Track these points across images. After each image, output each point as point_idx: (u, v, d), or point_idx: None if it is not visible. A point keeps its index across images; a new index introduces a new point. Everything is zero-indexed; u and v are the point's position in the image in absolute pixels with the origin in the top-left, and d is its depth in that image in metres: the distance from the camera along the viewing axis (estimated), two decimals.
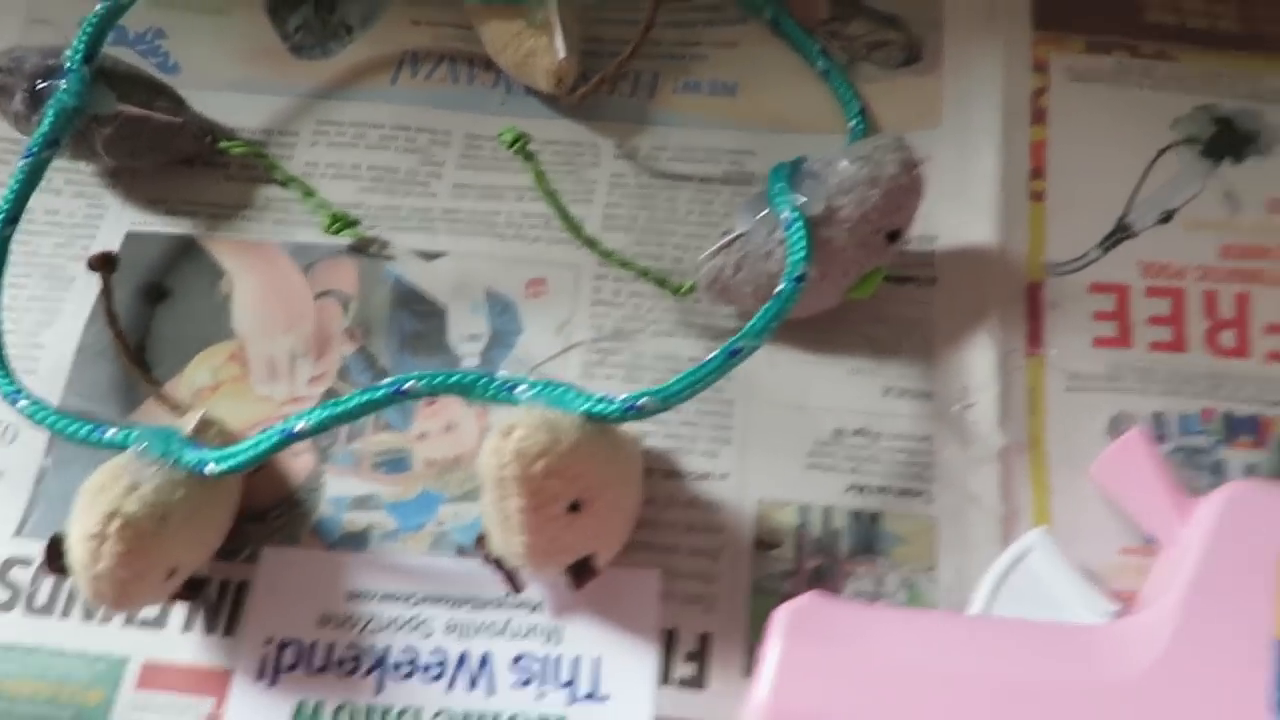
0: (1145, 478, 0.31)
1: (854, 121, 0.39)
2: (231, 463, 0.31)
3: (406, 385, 0.30)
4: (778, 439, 0.35)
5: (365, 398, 0.30)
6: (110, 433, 0.32)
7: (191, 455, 0.31)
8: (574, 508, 0.29)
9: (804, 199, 0.33)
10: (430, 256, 0.38)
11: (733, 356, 0.30)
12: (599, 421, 0.29)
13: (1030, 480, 0.34)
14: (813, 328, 0.36)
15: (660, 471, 0.35)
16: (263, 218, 0.39)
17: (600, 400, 0.29)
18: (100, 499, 0.29)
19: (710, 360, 0.30)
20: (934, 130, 0.39)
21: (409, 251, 0.38)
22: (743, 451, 0.35)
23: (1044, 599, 0.31)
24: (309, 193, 0.39)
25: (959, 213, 0.38)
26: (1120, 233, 0.37)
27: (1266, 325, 0.36)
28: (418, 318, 0.37)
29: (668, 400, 0.29)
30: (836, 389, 0.36)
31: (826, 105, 0.40)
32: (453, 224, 0.39)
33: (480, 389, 0.30)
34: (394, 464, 0.35)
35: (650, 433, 0.35)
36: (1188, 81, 0.39)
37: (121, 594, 0.29)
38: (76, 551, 0.29)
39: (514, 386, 0.30)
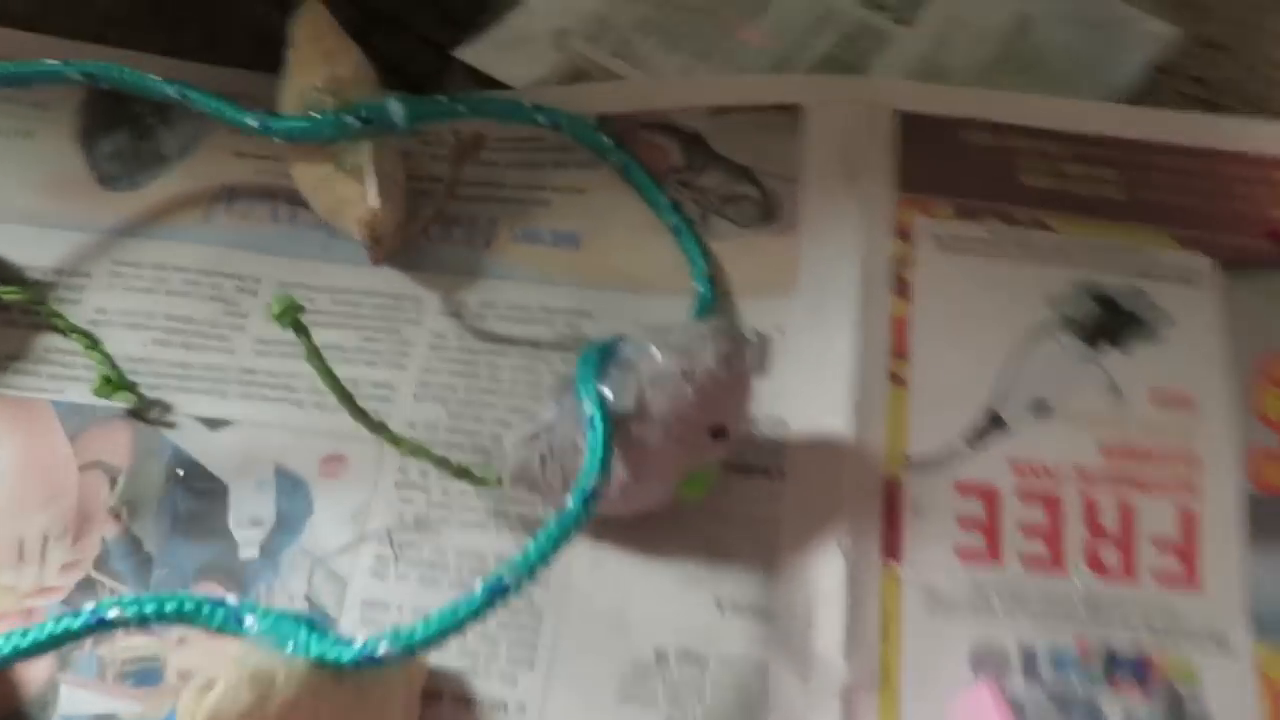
0: None
1: (701, 285, 0.35)
2: None
3: (110, 614, 0.25)
4: (590, 662, 0.30)
5: (61, 627, 0.25)
6: None
7: None
8: None
9: (610, 393, 0.29)
10: (216, 425, 0.34)
11: (496, 595, 0.25)
12: (330, 670, 0.25)
13: None
14: (642, 527, 0.32)
15: (450, 695, 0.30)
16: (38, 371, 0.35)
17: (335, 643, 0.25)
18: None
19: (465, 602, 0.25)
20: (787, 299, 0.35)
21: (193, 418, 0.34)
22: (547, 678, 0.30)
23: None
24: (92, 345, 0.34)
25: (812, 395, 0.34)
26: (990, 425, 0.33)
27: (1155, 540, 0.32)
28: (195, 496, 0.33)
29: (412, 648, 0.25)
30: (663, 602, 0.31)
31: (674, 263, 0.36)
32: (247, 386, 0.35)
33: (203, 618, 0.26)
34: (143, 675, 0.30)
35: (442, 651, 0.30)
36: (1068, 254, 0.35)
37: None
38: None
39: (241, 617, 0.25)
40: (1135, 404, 0.33)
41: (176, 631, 0.31)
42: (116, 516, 0.33)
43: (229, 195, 0.38)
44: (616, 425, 0.28)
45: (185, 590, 0.31)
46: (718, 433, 0.30)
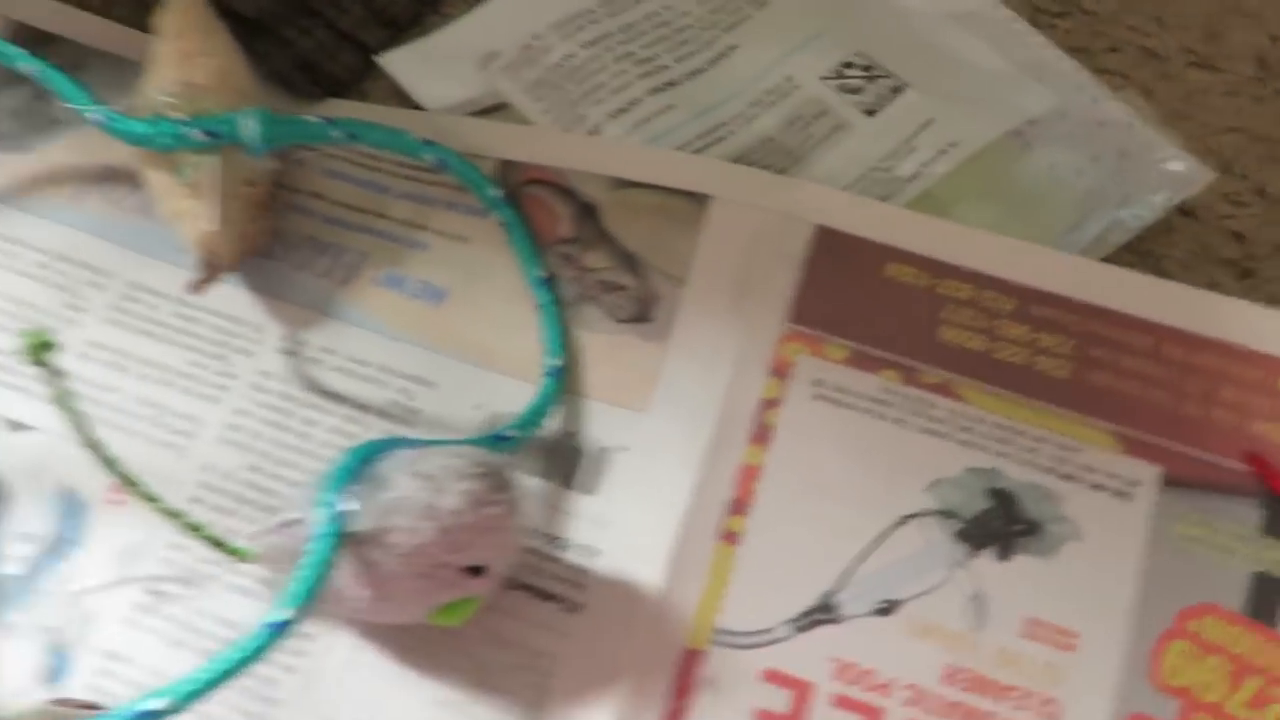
0: None
1: (548, 379, 0.31)
2: None
3: None
4: None
5: None
6: None
7: None
8: None
9: (350, 509, 0.25)
10: (17, 427, 0.32)
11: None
12: None
13: None
14: (410, 633, 0.29)
15: None
16: None
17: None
18: None
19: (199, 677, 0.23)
20: (639, 413, 0.31)
21: None
22: None
23: None
24: None
25: (634, 531, 0.30)
26: (822, 613, 0.29)
27: None
28: None
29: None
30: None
31: (533, 344, 0.32)
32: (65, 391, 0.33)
33: None
34: None
35: None
36: (972, 434, 0.30)
37: None
38: None
39: None
40: (1000, 630, 0.28)
41: None
42: None
43: (108, 177, 0.36)
44: (354, 543, 0.25)
45: None
46: (475, 570, 0.26)
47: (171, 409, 0.32)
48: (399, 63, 0.37)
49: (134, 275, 0.35)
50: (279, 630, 0.25)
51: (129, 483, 0.28)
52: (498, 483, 0.25)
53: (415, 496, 0.25)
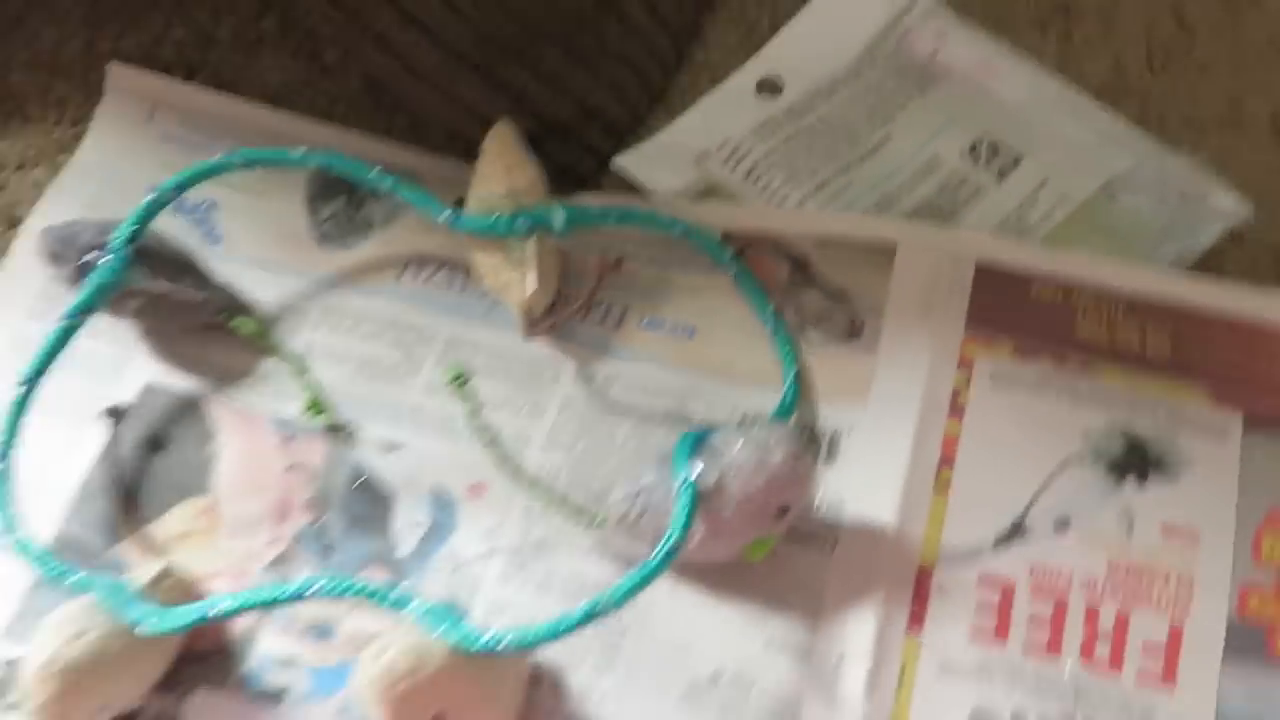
0: None
1: (788, 384, 0.42)
2: (160, 628, 0.36)
3: (313, 587, 0.35)
4: (659, 672, 0.38)
5: (276, 593, 0.35)
6: (74, 578, 0.37)
7: (134, 612, 0.36)
8: None
9: (699, 471, 0.36)
10: (390, 447, 0.43)
11: (589, 618, 0.33)
12: (465, 650, 0.33)
13: None
14: (714, 571, 0.39)
15: (548, 682, 0.38)
16: (261, 388, 0.45)
17: (469, 635, 0.33)
18: (50, 639, 0.34)
19: (568, 617, 0.33)
20: (860, 407, 0.42)
21: (373, 440, 0.43)
22: (625, 678, 0.38)
23: None
24: (302, 371, 0.44)
25: (868, 487, 0.41)
26: (1014, 532, 0.40)
27: (1143, 644, 0.38)
28: (368, 502, 0.42)
29: (524, 647, 0.33)
30: (723, 634, 0.39)
31: (770, 363, 0.44)
32: (417, 419, 0.44)
33: (379, 599, 0.35)
34: (320, 630, 0.39)
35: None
36: (1108, 398, 0.41)
37: None
38: (27, 683, 0.34)
39: (407, 602, 0.34)
40: (1145, 533, 0.39)
41: (350, 603, 0.40)
42: (309, 510, 0.42)
43: (418, 262, 0.47)
44: (699, 497, 0.36)
45: (355, 573, 0.40)
46: (781, 512, 0.37)
47: (506, 425, 0.43)
48: (629, 162, 0.49)
49: (452, 333, 0.46)
50: (661, 565, 0.35)
51: (518, 471, 0.39)
52: (807, 445, 0.36)
53: (749, 458, 0.36)
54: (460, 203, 0.45)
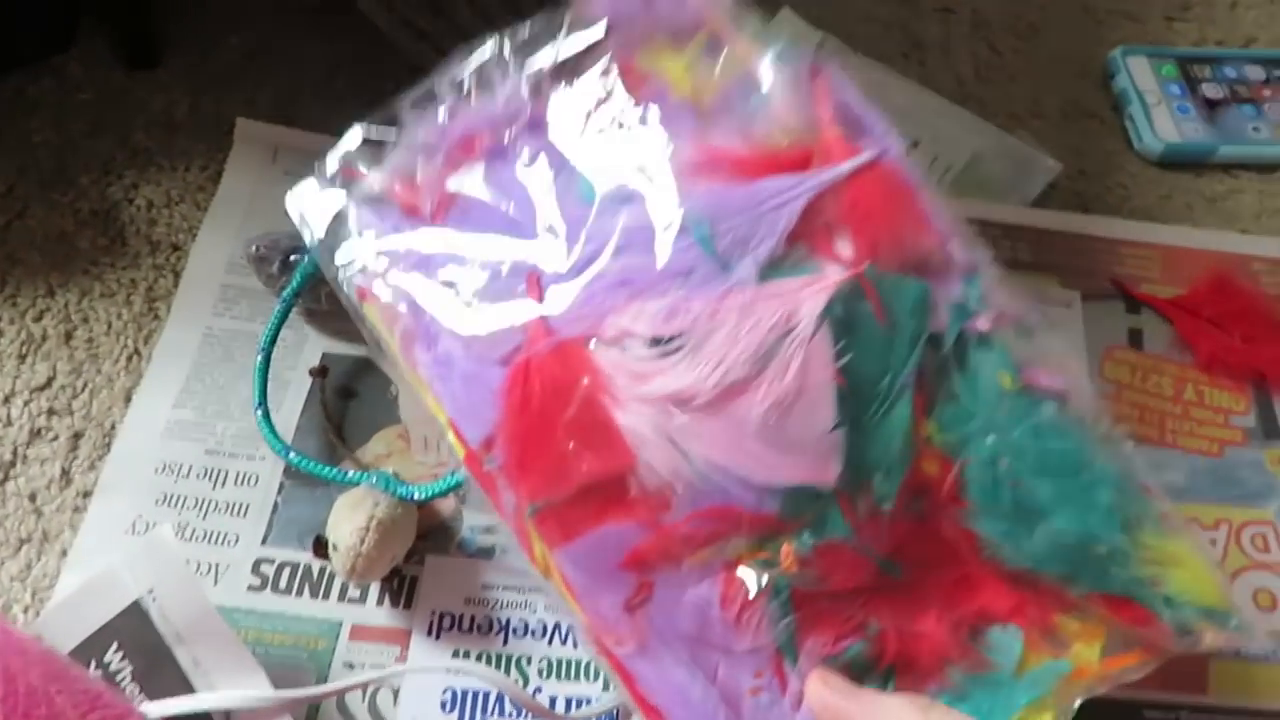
0: None
1: None
2: (428, 493, 0.51)
3: None
4: None
5: (456, 480, 0.51)
6: (351, 473, 0.51)
7: (403, 489, 0.50)
8: None
9: None
10: None
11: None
12: None
13: None
14: None
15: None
16: None
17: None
18: (359, 510, 0.49)
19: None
20: None
21: None
22: None
23: None
24: None
25: None
26: None
27: None
28: None
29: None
30: None
31: None
32: None
33: None
34: None
35: None
36: None
37: (369, 569, 0.48)
38: (347, 539, 0.48)
39: None
40: None
41: None
42: None
43: None
44: None
45: None
46: None
47: None
48: None
49: None
50: None
51: None
52: None
53: None
54: None
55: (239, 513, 0.54)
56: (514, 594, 0.52)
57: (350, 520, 0.48)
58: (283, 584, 0.52)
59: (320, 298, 0.57)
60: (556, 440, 0.40)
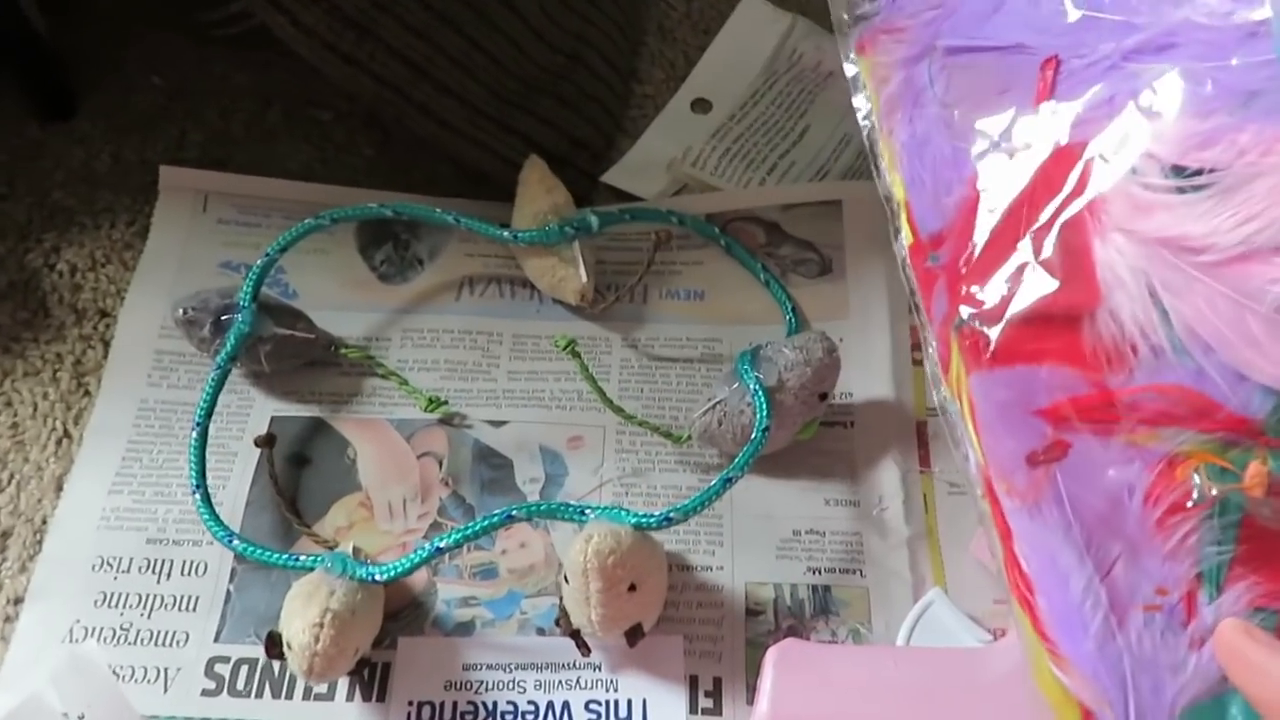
0: None
1: (789, 316, 0.56)
2: (392, 573, 0.45)
3: (514, 513, 0.45)
4: (755, 538, 0.50)
5: (486, 522, 0.45)
6: (304, 557, 0.46)
7: (362, 570, 0.45)
8: (632, 588, 0.43)
9: (762, 375, 0.49)
10: (497, 424, 0.53)
11: (727, 484, 0.45)
12: (642, 530, 0.44)
13: (929, 558, 0.50)
14: (773, 461, 0.52)
15: (677, 566, 0.49)
16: (372, 402, 0.54)
17: (643, 516, 0.44)
18: (312, 602, 0.43)
19: (711, 487, 0.45)
20: (844, 321, 0.56)
21: (482, 421, 0.53)
22: (732, 550, 0.50)
23: (944, 635, 0.46)
24: (404, 383, 0.54)
25: (867, 377, 0.55)
26: None
27: None
28: (493, 468, 0.52)
29: (688, 513, 0.45)
30: (792, 502, 0.51)
31: (768, 305, 0.57)
32: (511, 400, 0.54)
33: (562, 513, 0.45)
34: (486, 573, 0.49)
35: (666, 540, 0.50)
36: None
37: (328, 667, 0.42)
38: (300, 638, 0.42)
39: (585, 510, 0.45)
40: None
41: (500, 545, 0.50)
42: (446, 484, 0.52)
43: (469, 281, 0.58)
44: (768, 392, 0.49)
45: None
46: (823, 397, 0.50)
47: (573, 390, 0.54)
48: (615, 177, 0.61)
49: (515, 330, 0.57)
50: (762, 438, 0.47)
51: (618, 409, 0.50)
52: (832, 343, 0.50)
53: (798, 356, 0.49)
54: (504, 226, 0.56)
55: (188, 607, 0.48)
56: (500, 673, 0.47)
57: (302, 615, 0.43)
58: (240, 684, 0.46)
59: (260, 358, 0.52)
60: (1013, 253, 0.34)
